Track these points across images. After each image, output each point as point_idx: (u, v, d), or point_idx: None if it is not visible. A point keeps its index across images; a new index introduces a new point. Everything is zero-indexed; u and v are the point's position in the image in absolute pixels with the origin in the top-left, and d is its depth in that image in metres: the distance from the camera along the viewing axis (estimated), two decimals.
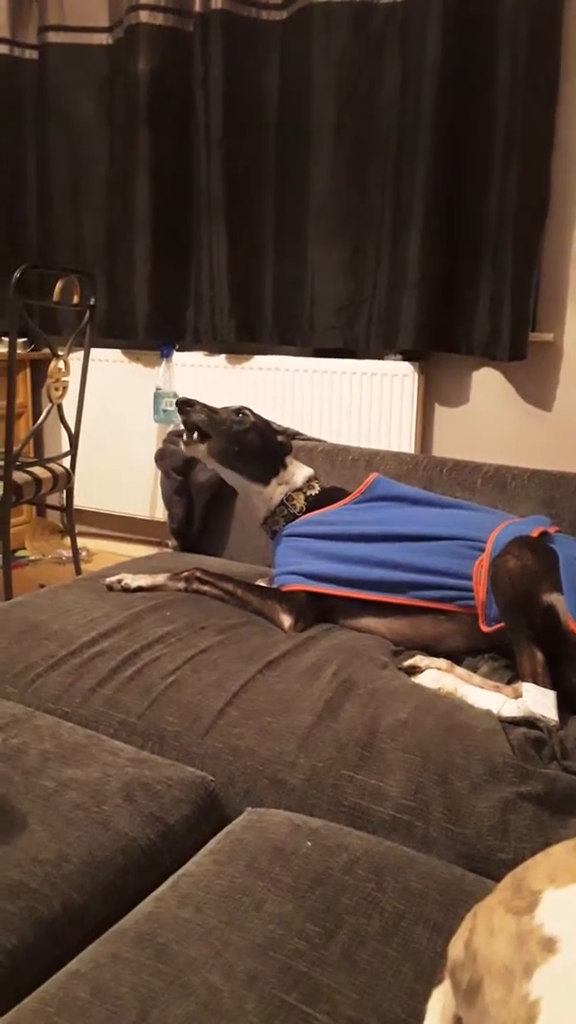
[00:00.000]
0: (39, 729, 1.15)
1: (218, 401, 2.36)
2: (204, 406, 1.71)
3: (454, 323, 2.66)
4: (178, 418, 3.03)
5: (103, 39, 3.15)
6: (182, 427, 1.69)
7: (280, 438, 1.78)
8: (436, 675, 1.34)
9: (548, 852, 0.68)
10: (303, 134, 2.77)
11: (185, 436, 1.70)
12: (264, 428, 1.75)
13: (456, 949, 0.67)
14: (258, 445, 1.72)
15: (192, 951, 0.76)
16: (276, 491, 1.72)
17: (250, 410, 1.75)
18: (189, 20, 2.89)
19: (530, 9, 2.37)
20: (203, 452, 1.70)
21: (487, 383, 2.76)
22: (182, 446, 1.74)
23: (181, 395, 2.23)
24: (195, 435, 1.69)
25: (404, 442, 2.77)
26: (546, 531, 1.46)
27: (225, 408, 1.74)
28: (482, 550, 1.48)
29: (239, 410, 1.72)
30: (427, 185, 2.55)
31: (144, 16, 2.91)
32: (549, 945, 0.56)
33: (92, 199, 3.26)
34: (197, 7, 2.82)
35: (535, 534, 1.43)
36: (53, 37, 3.20)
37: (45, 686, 1.34)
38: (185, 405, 1.68)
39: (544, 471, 1.77)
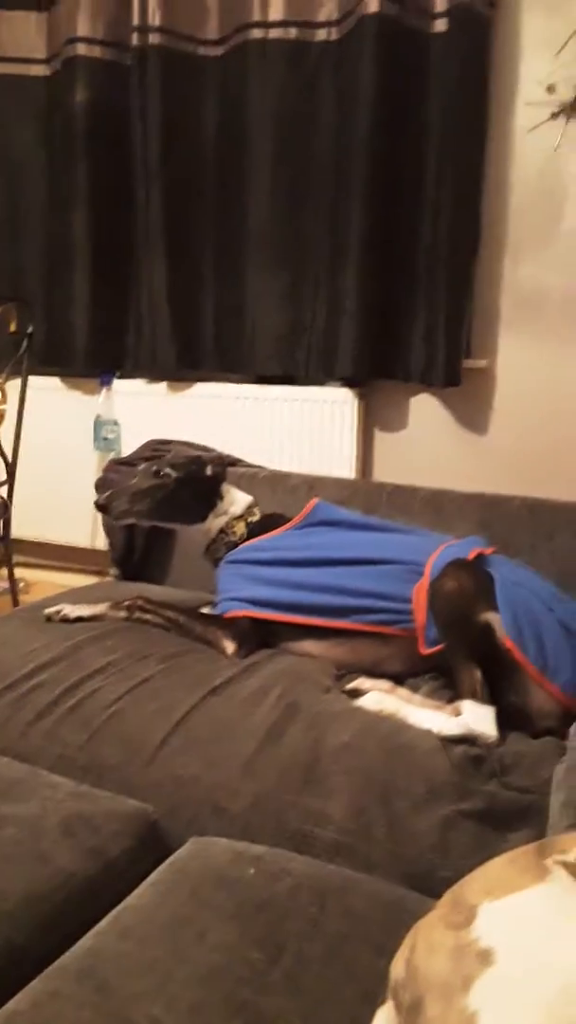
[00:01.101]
0: None
1: (161, 431, 2.37)
2: (120, 492, 1.66)
3: (391, 351, 2.71)
4: (119, 445, 3.01)
5: (41, 70, 3.16)
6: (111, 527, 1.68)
7: (209, 470, 1.73)
8: (378, 697, 1.35)
9: (486, 866, 0.70)
10: (241, 166, 2.81)
11: (115, 519, 1.69)
12: (189, 474, 1.70)
13: (397, 968, 0.68)
14: (187, 494, 1.70)
15: (134, 985, 0.75)
16: (215, 523, 1.72)
17: (169, 463, 1.70)
18: (127, 54, 2.92)
19: (459, 50, 2.45)
20: (137, 521, 1.71)
21: (424, 409, 2.81)
22: (115, 523, 1.73)
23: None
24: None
25: (344, 467, 2.80)
26: (482, 552, 1.50)
27: (144, 467, 1.71)
28: (421, 573, 1.50)
29: (157, 471, 1.68)
30: (362, 217, 2.61)
31: (82, 49, 2.93)
32: (486, 957, 0.57)
33: (30, 227, 3.24)
34: (135, 41, 2.85)
35: (471, 556, 1.47)
36: None
37: None
38: (101, 510, 1.66)
39: (479, 494, 1.81)
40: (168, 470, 1.68)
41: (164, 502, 1.67)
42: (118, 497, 1.65)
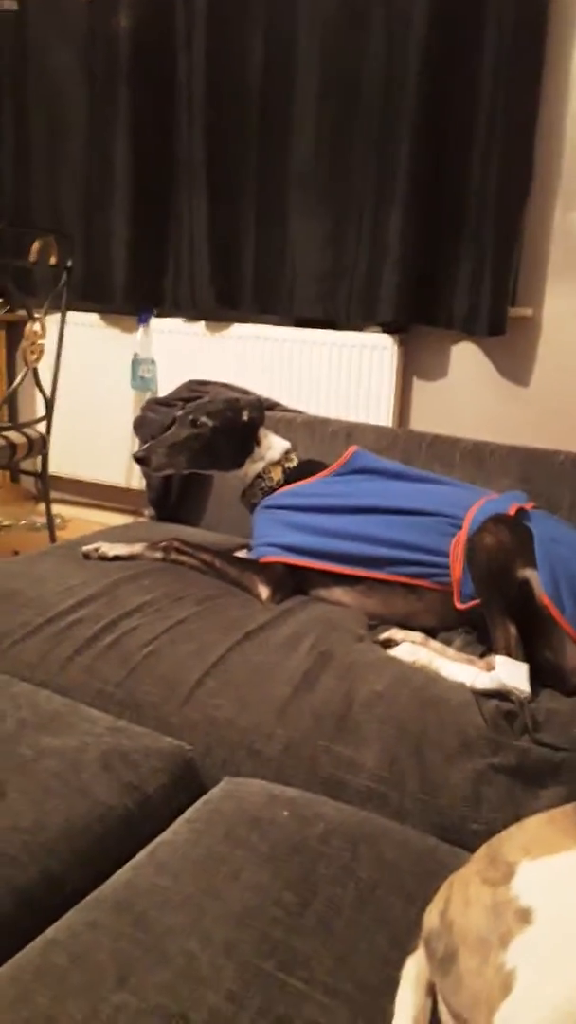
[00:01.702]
0: (16, 697, 1.15)
1: (197, 372, 2.35)
2: (157, 444, 1.65)
3: (434, 297, 2.65)
4: (155, 384, 3.00)
5: None
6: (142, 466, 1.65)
7: (245, 415, 1.71)
8: (411, 648, 1.35)
9: (522, 824, 0.70)
10: (286, 104, 2.73)
11: (153, 471, 1.68)
12: (226, 422, 1.68)
13: (431, 918, 0.69)
14: (224, 442, 1.69)
15: (170, 919, 0.77)
16: (252, 468, 1.71)
17: (206, 411, 1.68)
18: None
19: None
20: (176, 472, 1.70)
21: (466, 358, 2.76)
22: (155, 476, 1.71)
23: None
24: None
25: (382, 415, 2.77)
26: (523, 508, 1.48)
27: (181, 416, 1.69)
28: (460, 527, 1.49)
29: (194, 420, 1.66)
30: (410, 159, 2.53)
31: None
32: (525, 916, 0.58)
33: (70, 158, 3.19)
34: None
35: (512, 511, 1.45)
36: None
37: (22, 653, 1.33)
38: (142, 463, 1.65)
39: (522, 447, 1.78)
40: (204, 419, 1.67)
41: (202, 451, 1.67)
42: (156, 449, 1.64)
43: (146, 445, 1.66)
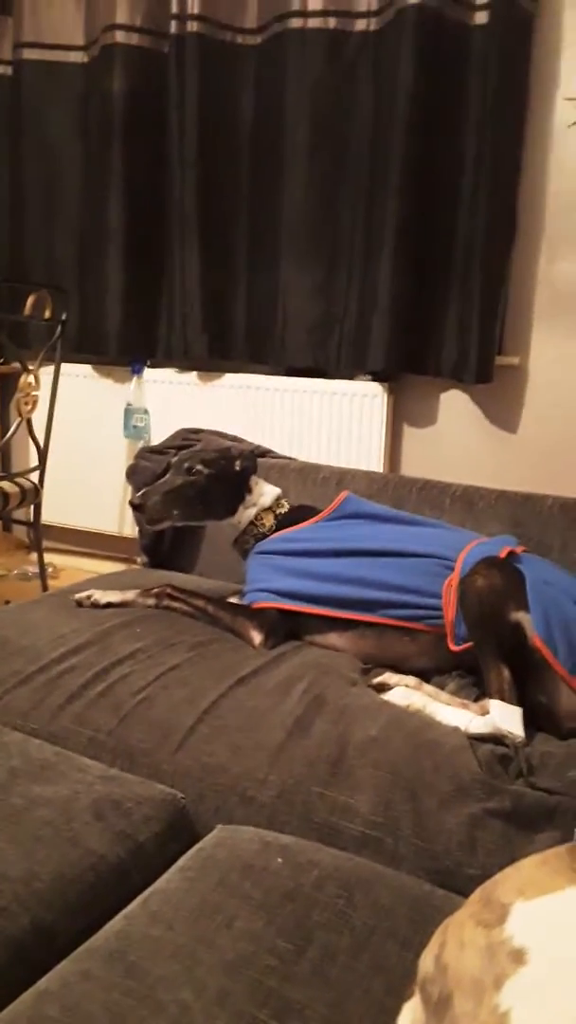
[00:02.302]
0: (7, 746, 1.14)
1: (190, 420, 2.38)
2: (152, 491, 1.66)
3: (423, 345, 2.70)
4: (148, 433, 3.03)
5: (79, 57, 3.17)
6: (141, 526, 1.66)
7: (237, 465, 1.73)
8: (405, 692, 1.36)
9: (517, 866, 0.69)
10: (277, 156, 2.81)
11: (148, 522, 1.69)
12: (220, 470, 1.70)
13: (426, 963, 0.68)
14: (218, 490, 1.70)
15: (163, 969, 0.76)
16: (244, 515, 1.73)
17: (200, 459, 1.70)
18: (164, 41, 2.92)
19: (499, 43, 2.43)
20: (171, 523, 1.70)
21: (455, 405, 2.80)
22: (148, 527, 1.72)
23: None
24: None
25: (372, 461, 2.80)
26: (513, 551, 1.49)
27: (176, 462, 1.71)
28: (452, 568, 1.50)
29: (189, 468, 1.68)
30: (398, 209, 2.59)
31: (120, 36, 2.94)
32: (519, 957, 0.57)
33: (65, 215, 3.26)
34: (173, 29, 2.85)
35: (503, 554, 1.46)
36: (28, 54, 3.20)
37: (13, 702, 1.33)
38: (137, 509, 1.66)
39: (511, 492, 1.80)
40: (199, 467, 1.69)
41: (196, 499, 1.68)
42: (151, 496, 1.65)
43: (141, 492, 1.68)
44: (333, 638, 1.58)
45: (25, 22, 3.16)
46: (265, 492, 1.75)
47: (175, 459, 1.74)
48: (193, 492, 1.67)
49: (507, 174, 2.55)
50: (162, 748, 1.22)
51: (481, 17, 2.47)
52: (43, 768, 1.09)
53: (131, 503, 1.66)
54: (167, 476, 1.71)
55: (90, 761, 1.15)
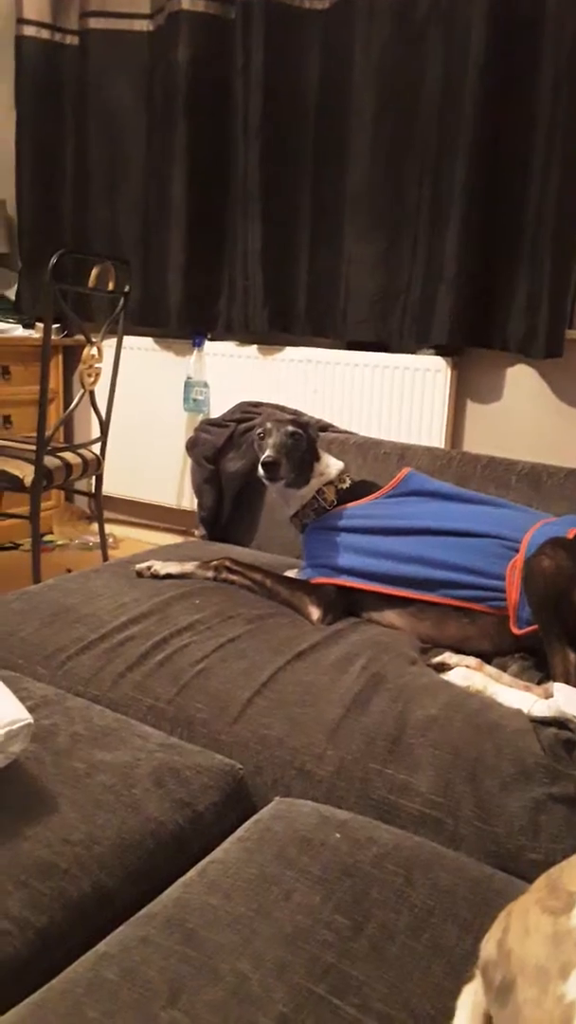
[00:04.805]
0: (69, 711, 1.16)
1: (249, 394, 2.36)
2: (276, 451, 1.57)
3: (489, 319, 2.63)
4: (208, 407, 3.01)
5: (144, 25, 3.15)
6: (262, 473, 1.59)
7: (312, 432, 1.69)
8: (465, 672, 1.33)
9: None
10: (342, 126, 2.75)
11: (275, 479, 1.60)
12: (308, 435, 1.66)
13: (489, 947, 0.67)
14: (308, 459, 1.66)
15: (221, 938, 0.76)
16: (312, 486, 1.69)
17: (301, 426, 1.65)
18: (231, 8, 2.88)
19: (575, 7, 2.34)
20: (284, 482, 1.63)
21: (521, 380, 2.73)
22: (271, 485, 1.66)
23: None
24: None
25: (435, 437, 2.75)
26: None
27: (280, 431, 1.62)
28: (516, 550, 1.46)
29: (293, 433, 1.61)
30: (466, 180, 2.53)
31: (186, 3, 2.91)
32: None
33: (129, 186, 3.27)
34: None
35: (571, 535, 1.42)
36: (94, 23, 3.20)
37: (75, 669, 1.35)
38: (272, 466, 1.55)
39: None
40: (299, 432, 1.62)
41: (300, 461, 1.62)
42: (280, 453, 1.56)
43: (272, 448, 1.58)
44: (391, 616, 1.56)
45: None
46: (331, 464, 1.72)
47: (269, 424, 1.64)
48: (298, 454, 1.62)
49: None
50: (220, 719, 1.22)
51: None
52: (104, 734, 1.10)
53: (265, 462, 1.55)
54: (272, 437, 1.61)
55: (150, 729, 1.16)
